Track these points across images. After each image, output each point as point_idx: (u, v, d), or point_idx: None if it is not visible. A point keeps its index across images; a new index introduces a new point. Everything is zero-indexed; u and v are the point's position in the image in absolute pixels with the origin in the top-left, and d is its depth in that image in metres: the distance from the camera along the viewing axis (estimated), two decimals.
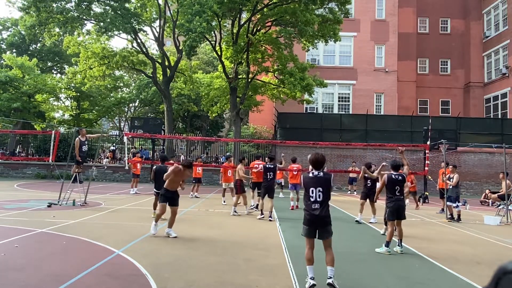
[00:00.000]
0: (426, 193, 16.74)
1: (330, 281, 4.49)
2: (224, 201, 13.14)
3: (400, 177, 6.83)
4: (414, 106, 28.94)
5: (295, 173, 12.39)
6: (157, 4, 24.23)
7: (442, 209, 12.64)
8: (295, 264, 5.61)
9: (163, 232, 7.39)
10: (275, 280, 4.92)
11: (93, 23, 23.76)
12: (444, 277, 5.40)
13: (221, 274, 5.06)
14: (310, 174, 4.83)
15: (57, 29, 23.44)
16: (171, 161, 14.82)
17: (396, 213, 6.74)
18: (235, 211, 10.62)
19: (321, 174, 4.79)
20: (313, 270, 4.56)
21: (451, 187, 11.02)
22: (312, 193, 4.70)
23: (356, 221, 9.94)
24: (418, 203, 14.58)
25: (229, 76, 22.90)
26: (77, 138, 11.36)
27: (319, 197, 4.67)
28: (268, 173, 10.13)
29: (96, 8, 23.28)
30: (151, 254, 5.92)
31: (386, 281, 5.09)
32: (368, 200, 10.02)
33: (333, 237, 4.78)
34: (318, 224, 4.63)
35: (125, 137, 14.12)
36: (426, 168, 12.42)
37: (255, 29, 22.04)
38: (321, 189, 4.68)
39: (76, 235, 7.08)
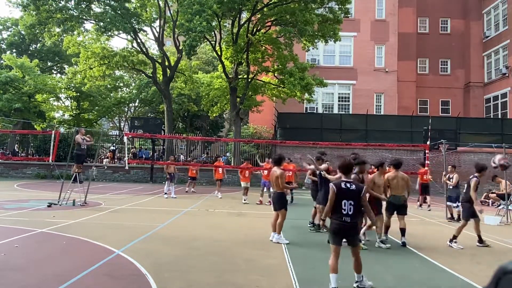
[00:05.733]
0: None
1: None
2: (244, 199, 13.34)
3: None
4: (414, 106, 28.89)
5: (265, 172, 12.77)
6: (157, 4, 24.22)
7: (420, 205, 13.98)
8: (295, 264, 5.61)
9: (164, 233, 7.38)
10: (275, 280, 4.92)
11: (93, 22, 23.77)
12: (444, 277, 5.40)
13: (221, 274, 5.07)
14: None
15: (57, 29, 23.43)
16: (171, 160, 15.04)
17: None
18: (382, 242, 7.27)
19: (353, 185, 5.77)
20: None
21: (451, 187, 11.02)
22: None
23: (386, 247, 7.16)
24: (417, 202, 14.60)
25: (229, 76, 22.90)
26: (77, 135, 11.48)
27: (350, 211, 5.43)
28: None
29: (96, 8, 23.29)
30: (151, 254, 5.92)
31: (386, 281, 5.09)
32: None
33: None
34: None
35: (125, 137, 14.11)
36: (426, 168, 12.43)
37: (255, 29, 22.03)
38: (352, 202, 5.51)
39: (76, 235, 7.08)
